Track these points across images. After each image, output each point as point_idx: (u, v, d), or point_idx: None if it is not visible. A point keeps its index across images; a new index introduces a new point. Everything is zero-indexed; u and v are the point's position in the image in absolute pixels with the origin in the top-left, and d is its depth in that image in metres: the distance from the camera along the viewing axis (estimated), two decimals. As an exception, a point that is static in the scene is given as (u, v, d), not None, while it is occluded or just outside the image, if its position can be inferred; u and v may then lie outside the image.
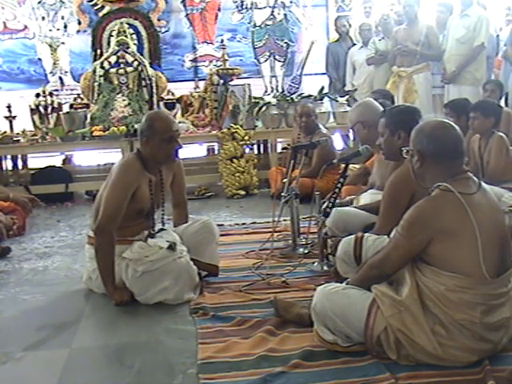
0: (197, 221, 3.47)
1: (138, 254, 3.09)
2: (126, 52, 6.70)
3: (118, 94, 6.56)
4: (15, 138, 6.48)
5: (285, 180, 3.96)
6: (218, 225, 4.65)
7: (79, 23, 8.41)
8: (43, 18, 8.42)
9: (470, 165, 4.50)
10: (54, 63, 8.40)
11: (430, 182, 2.26)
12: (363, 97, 6.77)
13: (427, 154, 2.25)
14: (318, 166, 4.98)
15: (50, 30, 8.42)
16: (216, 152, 7.07)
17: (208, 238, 3.39)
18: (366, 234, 2.93)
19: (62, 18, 8.44)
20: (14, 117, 6.61)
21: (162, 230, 3.34)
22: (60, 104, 6.78)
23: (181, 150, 3.27)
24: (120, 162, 3.28)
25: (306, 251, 3.85)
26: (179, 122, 6.47)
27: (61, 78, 8.38)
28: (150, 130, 3.18)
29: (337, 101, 6.90)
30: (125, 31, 6.82)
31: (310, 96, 6.65)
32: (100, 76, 6.62)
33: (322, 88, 6.83)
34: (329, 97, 6.92)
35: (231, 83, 6.63)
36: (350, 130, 4.08)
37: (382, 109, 3.95)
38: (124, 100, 6.50)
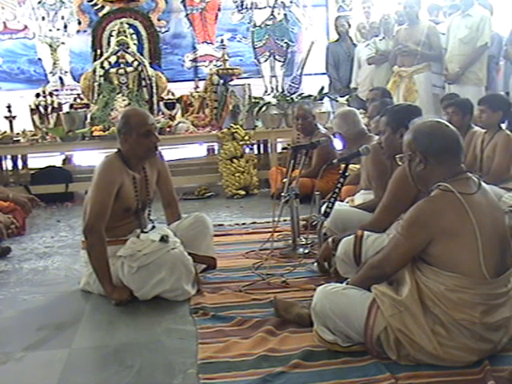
0: (189, 216, 3.50)
1: (131, 250, 3.11)
2: (126, 52, 6.71)
3: (118, 94, 6.57)
4: (15, 138, 6.49)
5: (285, 180, 3.96)
6: (218, 225, 4.67)
7: (79, 23, 8.41)
8: (43, 18, 8.43)
9: (468, 159, 4.48)
10: (54, 63, 8.40)
11: (433, 183, 2.25)
12: (365, 94, 6.79)
13: (431, 154, 2.24)
14: (317, 166, 4.99)
15: (50, 30, 8.43)
16: (216, 152, 7.07)
17: (202, 231, 3.42)
18: (366, 234, 2.92)
19: (62, 18, 8.45)
20: (14, 117, 6.62)
21: (153, 227, 3.36)
22: (60, 104, 6.79)
23: (158, 143, 3.28)
24: (101, 161, 3.29)
25: (306, 251, 3.85)
26: (179, 122, 6.51)
27: (61, 78, 8.38)
28: (126, 126, 3.21)
29: (337, 101, 6.91)
30: (125, 31, 6.83)
31: (310, 96, 6.66)
32: (100, 76, 6.63)
33: (322, 88, 6.83)
34: (329, 97, 6.93)
35: (231, 83, 6.64)
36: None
37: (360, 120, 3.99)
38: (124, 100, 6.50)
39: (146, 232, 3.28)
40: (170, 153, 6.77)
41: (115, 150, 3.30)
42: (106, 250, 3.10)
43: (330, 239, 3.18)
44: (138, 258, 3.08)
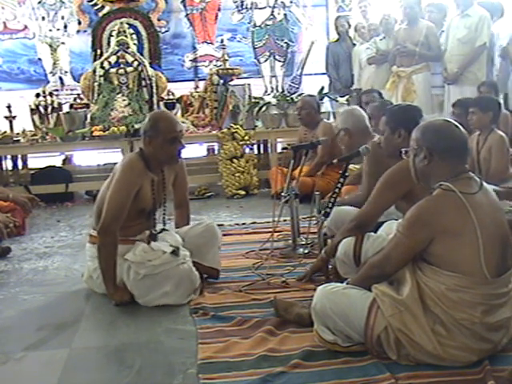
0: (200, 223, 3.46)
1: (141, 258, 3.07)
2: (126, 52, 6.71)
3: (118, 94, 6.57)
4: (15, 138, 6.49)
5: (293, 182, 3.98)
6: (218, 225, 4.66)
7: (79, 23, 8.41)
8: (43, 18, 8.43)
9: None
10: (54, 63, 8.40)
11: (434, 181, 2.26)
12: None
13: (436, 151, 2.25)
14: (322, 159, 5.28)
15: (50, 30, 8.43)
16: (216, 152, 7.08)
17: (211, 242, 3.37)
18: (366, 235, 2.92)
19: (62, 18, 8.45)
20: (14, 117, 6.62)
21: (163, 230, 3.33)
22: (60, 104, 6.80)
23: (183, 149, 3.25)
24: (123, 161, 3.26)
25: (306, 251, 3.85)
26: (179, 122, 6.51)
27: (61, 78, 8.38)
28: (153, 130, 3.16)
29: (337, 101, 6.91)
30: (125, 31, 6.83)
31: (310, 96, 6.65)
32: (100, 76, 6.63)
33: (322, 88, 6.84)
34: (329, 97, 6.94)
35: (231, 83, 6.64)
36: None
37: (365, 117, 4.04)
38: (124, 100, 6.50)
39: (156, 233, 3.26)
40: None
41: (137, 150, 3.28)
42: (116, 251, 3.08)
43: (323, 251, 3.19)
44: (146, 266, 3.05)
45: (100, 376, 2.39)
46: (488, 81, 5.97)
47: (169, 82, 7.11)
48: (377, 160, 3.45)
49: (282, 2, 8.76)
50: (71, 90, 8.22)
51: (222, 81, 6.59)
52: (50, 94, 6.72)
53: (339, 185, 3.34)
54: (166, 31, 8.55)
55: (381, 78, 7.04)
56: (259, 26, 8.80)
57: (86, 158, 7.55)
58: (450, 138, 2.25)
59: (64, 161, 7.32)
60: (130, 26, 7.02)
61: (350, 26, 7.74)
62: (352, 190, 4.23)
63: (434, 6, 7.00)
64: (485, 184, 2.27)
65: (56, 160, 7.25)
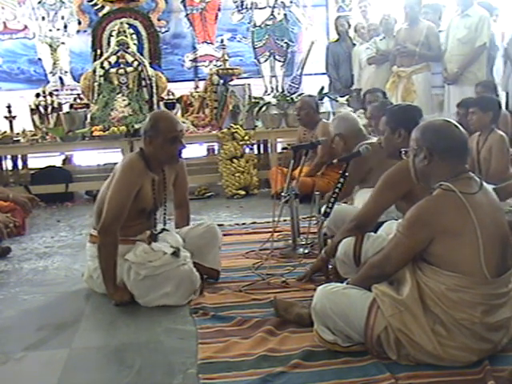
0: (200, 224, 3.46)
1: (142, 258, 3.07)
2: (126, 52, 6.71)
3: (118, 94, 6.57)
4: (15, 138, 6.49)
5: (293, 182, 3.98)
6: (218, 225, 4.66)
7: (79, 23, 8.42)
8: (43, 18, 8.43)
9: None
10: (54, 63, 8.41)
11: (434, 181, 2.26)
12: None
13: (436, 151, 2.24)
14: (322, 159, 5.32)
15: (50, 30, 8.43)
16: (216, 152, 7.08)
17: (211, 243, 3.38)
18: (366, 235, 2.93)
19: (62, 18, 8.45)
20: (14, 117, 6.62)
21: (164, 230, 3.33)
22: (60, 104, 6.80)
23: (184, 149, 3.25)
24: (124, 161, 3.25)
25: (306, 251, 3.86)
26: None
27: (61, 78, 8.39)
28: (153, 129, 3.16)
29: (337, 101, 6.91)
30: (125, 31, 6.83)
31: (310, 96, 6.66)
32: (100, 76, 6.63)
33: (322, 88, 6.84)
34: (329, 97, 6.94)
35: (231, 83, 6.64)
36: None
37: (358, 120, 4.11)
38: (124, 100, 6.50)
39: (156, 234, 3.26)
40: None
41: (137, 150, 3.27)
42: (117, 251, 3.08)
43: (323, 251, 3.20)
44: (146, 267, 3.05)
45: (100, 376, 2.39)
46: (484, 81, 5.95)
47: (169, 82, 7.11)
48: (360, 164, 3.53)
49: (282, 2, 8.76)
50: (71, 89, 8.23)
51: (222, 81, 6.60)
52: (50, 94, 6.73)
53: (339, 185, 3.34)
54: (166, 31, 8.56)
55: (381, 78, 7.04)
56: (259, 26, 8.81)
57: (86, 158, 7.56)
58: (450, 138, 2.25)
59: (64, 161, 7.33)
60: (130, 26, 7.02)
61: (349, 25, 7.74)
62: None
63: (430, 7, 7.02)
64: (485, 184, 2.27)
65: (56, 160, 7.25)
